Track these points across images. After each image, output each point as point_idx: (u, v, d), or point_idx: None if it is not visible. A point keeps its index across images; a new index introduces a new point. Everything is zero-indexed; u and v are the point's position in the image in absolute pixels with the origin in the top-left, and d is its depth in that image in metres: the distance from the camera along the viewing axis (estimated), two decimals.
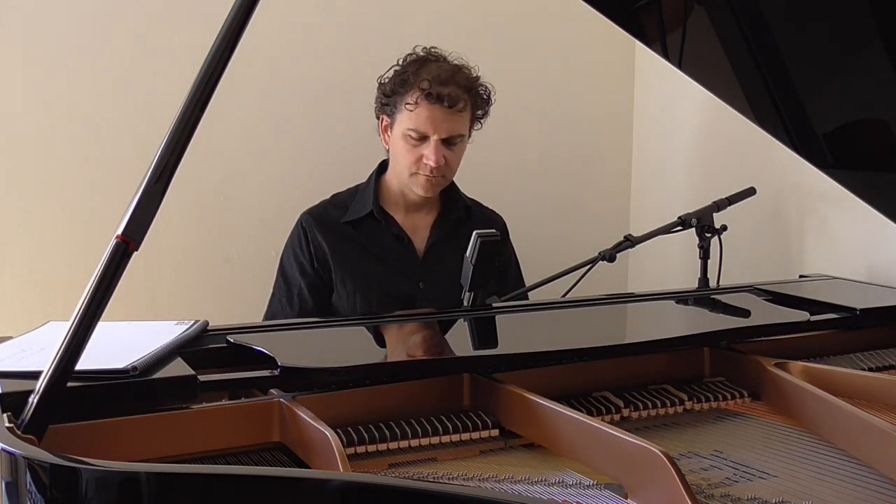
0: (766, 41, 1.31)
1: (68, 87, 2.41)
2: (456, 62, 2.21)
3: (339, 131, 2.66)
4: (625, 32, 1.37)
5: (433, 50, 2.23)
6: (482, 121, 2.28)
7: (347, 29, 2.66)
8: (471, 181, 2.38)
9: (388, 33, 2.65)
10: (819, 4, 1.24)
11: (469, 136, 2.26)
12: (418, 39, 2.27)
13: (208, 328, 1.55)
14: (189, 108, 1.16)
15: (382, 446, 1.25)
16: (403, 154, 2.19)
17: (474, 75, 2.22)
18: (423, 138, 2.16)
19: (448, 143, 2.17)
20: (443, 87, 2.13)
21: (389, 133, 2.24)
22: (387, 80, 2.22)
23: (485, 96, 2.24)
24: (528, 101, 2.87)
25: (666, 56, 1.36)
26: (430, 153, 2.15)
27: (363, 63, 2.57)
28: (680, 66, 1.37)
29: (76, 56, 2.40)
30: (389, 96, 2.20)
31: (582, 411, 1.33)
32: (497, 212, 2.42)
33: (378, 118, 2.27)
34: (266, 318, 2.26)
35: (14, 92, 2.36)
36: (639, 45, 2.86)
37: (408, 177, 2.20)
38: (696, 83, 1.39)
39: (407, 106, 2.15)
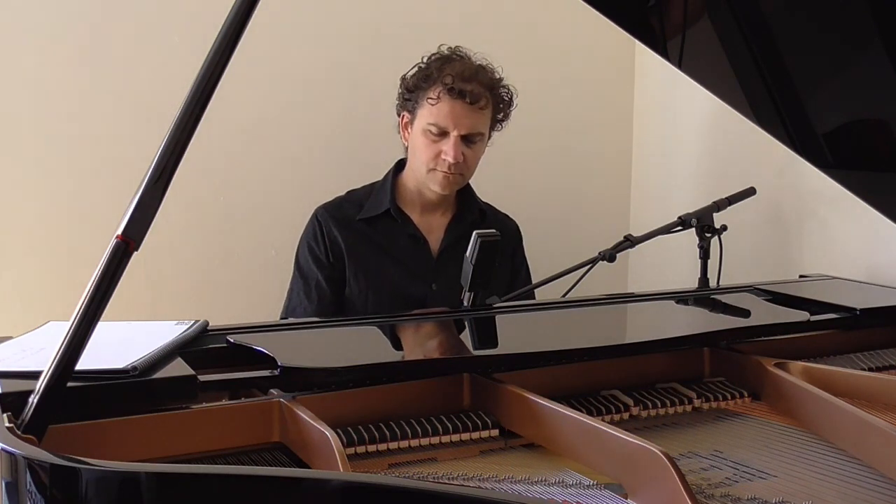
0: (767, 41, 1.31)
1: (68, 87, 2.41)
2: (480, 62, 2.22)
3: (340, 132, 2.66)
4: (625, 33, 1.37)
5: (458, 49, 2.24)
6: (502, 123, 2.28)
7: (346, 29, 2.66)
8: (473, 180, 2.38)
9: (385, 32, 2.65)
10: (819, 5, 1.24)
11: (489, 137, 2.26)
12: (418, 38, 2.28)
13: (208, 328, 1.55)
14: (189, 107, 1.16)
15: (382, 446, 1.25)
16: (422, 149, 2.19)
17: (497, 76, 2.23)
18: (442, 134, 2.16)
19: (467, 140, 2.18)
20: (466, 84, 2.14)
21: (410, 130, 2.24)
22: (410, 76, 2.23)
23: (506, 98, 2.25)
24: (527, 101, 2.84)
25: (666, 56, 1.36)
26: (449, 149, 2.15)
27: (368, 63, 2.59)
28: (680, 67, 1.37)
29: (76, 56, 2.40)
30: (412, 91, 2.21)
31: (582, 411, 1.33)
32: (511, 216, 2.42)
33: (399, 115, 2.27)
34: (285, 313, 2.26)
35: (14, 92, 2.36)
36: (639, 45, 2.86)
37: (425, 173, 2.20)
38: (696, 83, 1.39)
39: (429, 100, 2.16)
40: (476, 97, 2.15)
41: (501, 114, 2.26)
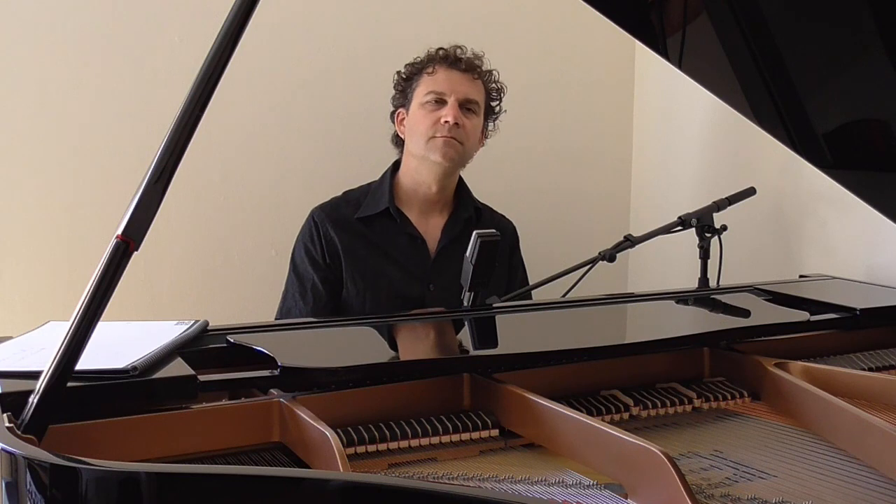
0: (767, 41, 1.31)
1: (68, 87, 2.40)
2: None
3: (339, 131, 2.66)
4: (625, 33, 1.37)
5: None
6: (496, 116, 2.33)
7: (346, 30, 2.66)
8: (471, 180, 2.38)
9: (385, 33, 2.65)
10: (819, 5, 1.24)
11: (484, 127, 2.30)
12: (417, 39, 2.28)
13: (208, 328, 1.55)
14: (189, 107, 1.16)
15: (382, 446, 1.25)
16: (421, 121, 2.22)
17: (487, 68, 2.31)
18: (440, 101, 2.21)
19: (465, 108, 2.22)
20: (459, 57, 2.25)
21: (406, 125, 2.27)
22: (404, 68, 2.30)
23: (497, 86, 2.32)
24: (528, 101, 2.86)
25: (666, 56, 1.36)
26: (447, 111, 2.20)
27: (369, 63, 2.58)
28: (680, 66, 1.37)
29: (76, 56, 2.40)
30: (408, 80, 2.28)
31: (582, 411, 1.33)
32: (507, 217, 2.42)
33: (394, 115, 2.31)
34: (279, 314, 2.26)
35: (14, 92, 2.36)
36: (639, 45, 2.86)
37: (424, 144, 2.21)
38: (696, 83, 1.39)
39: (426, 72, 2.24)
40: (470, 67, 2.25)
41: (494, 101, 2.32)
